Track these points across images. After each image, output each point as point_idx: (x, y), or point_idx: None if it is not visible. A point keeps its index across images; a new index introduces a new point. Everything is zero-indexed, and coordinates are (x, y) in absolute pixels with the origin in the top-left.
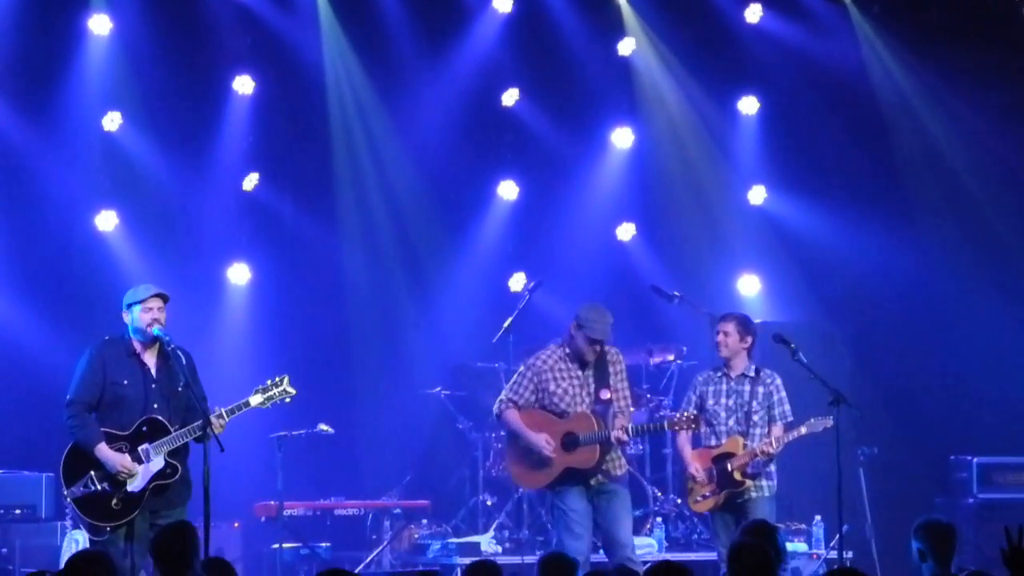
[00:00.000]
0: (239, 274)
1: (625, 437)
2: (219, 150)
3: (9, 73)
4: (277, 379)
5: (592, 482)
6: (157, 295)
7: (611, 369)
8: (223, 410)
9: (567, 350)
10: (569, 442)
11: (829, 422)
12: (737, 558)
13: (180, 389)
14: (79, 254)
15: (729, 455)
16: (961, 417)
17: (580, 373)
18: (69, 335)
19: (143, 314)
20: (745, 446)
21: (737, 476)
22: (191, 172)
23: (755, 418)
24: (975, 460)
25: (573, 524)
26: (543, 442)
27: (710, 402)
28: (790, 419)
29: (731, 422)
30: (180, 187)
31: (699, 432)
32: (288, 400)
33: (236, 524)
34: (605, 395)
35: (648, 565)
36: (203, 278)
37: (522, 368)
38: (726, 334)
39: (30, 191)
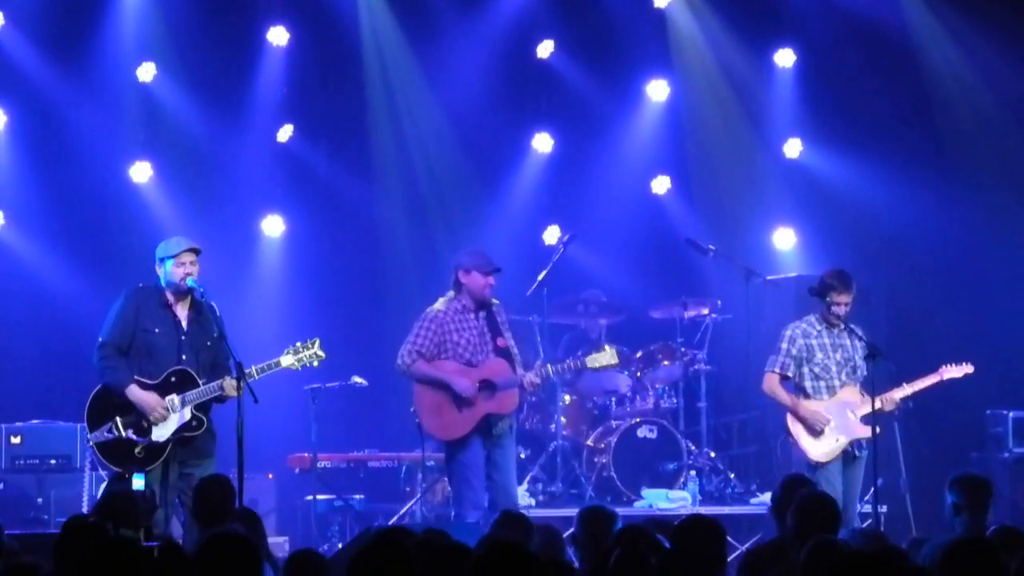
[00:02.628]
0: (273, 226)
1: (539, 380)
2: (253, 101)
3: (44, 24)
4: (309, 342)
5: (494, 431)
6: (190, 249)
7: (499, 319)
8: (253, 368)
9: (461, 302)
10: (487, 388)
11: (969, 368)
12: (806, 509)
13: (209, 344)
14: (113, 205)
15: (847, 404)
16: (997, 372)
17: (476, 323)
18: (103, 286)
19: (176, 268)
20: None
21: (860, 424)
22: (225, 123)
23: (858, 372)
24: (1011, 415)
25: (472, 477)
26: (467, 384)
27: (819, 355)
28: (865, 374)
29: (843, 375)
30: (214, 138)
31: (803, 386)
32: (317, 364)
33: (270, 475)
34: (502, 343)
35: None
36: (237, 230)
37: (421, 321)
38: (850, 303)
39: (65, 142)
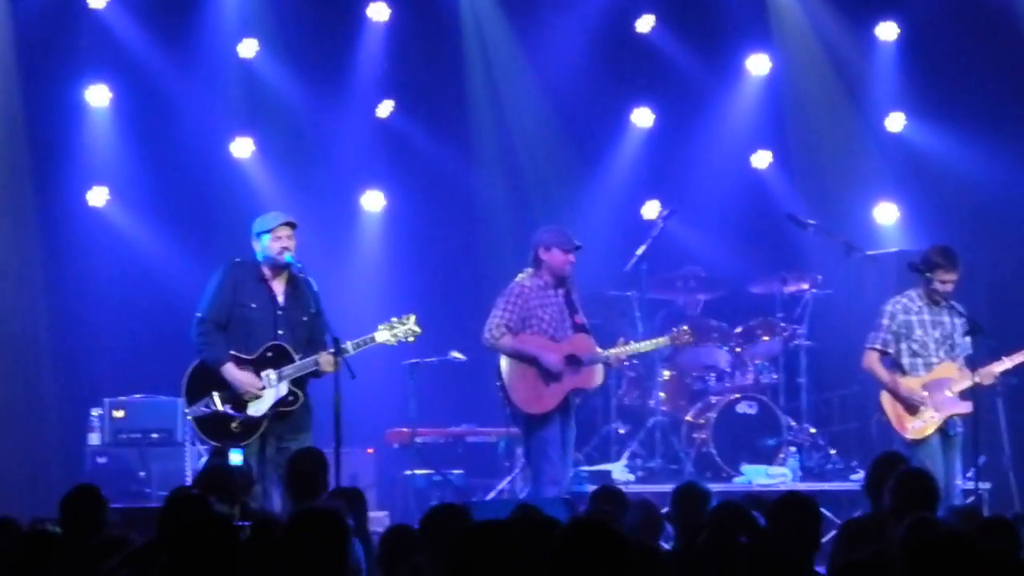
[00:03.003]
0: (373, 201)
1: (624, 357)
2: (354, 77)
3: (148, 1)
4: (404, 317)
5: (570, 408)
6: (286, 223)
7: (573, 296)
8: (349, 343)
9: (542, 278)
10: (572, 363)
11: None
12: (904, 486)
13: (305, 319)
14: (215, 181)
15: (944, 381)
16: None
17: (556, 300)
18: (205, 261)
19: (273, 242)
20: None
21: (958, 400)
22: (326, 99)
23: (957, 350)
24: None
25: (552, 452)
26: (556, 359)
27: (918, 332)
28: (969, 351)
29: (940, 353)
30: (315, 114)
31: (901, 363)
32: (412, 339)
33: (370, 450)
34: (579, 320)
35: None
36: (337, 205)
37: (507, 295)
38: (955, 281)
39: (168, 118)
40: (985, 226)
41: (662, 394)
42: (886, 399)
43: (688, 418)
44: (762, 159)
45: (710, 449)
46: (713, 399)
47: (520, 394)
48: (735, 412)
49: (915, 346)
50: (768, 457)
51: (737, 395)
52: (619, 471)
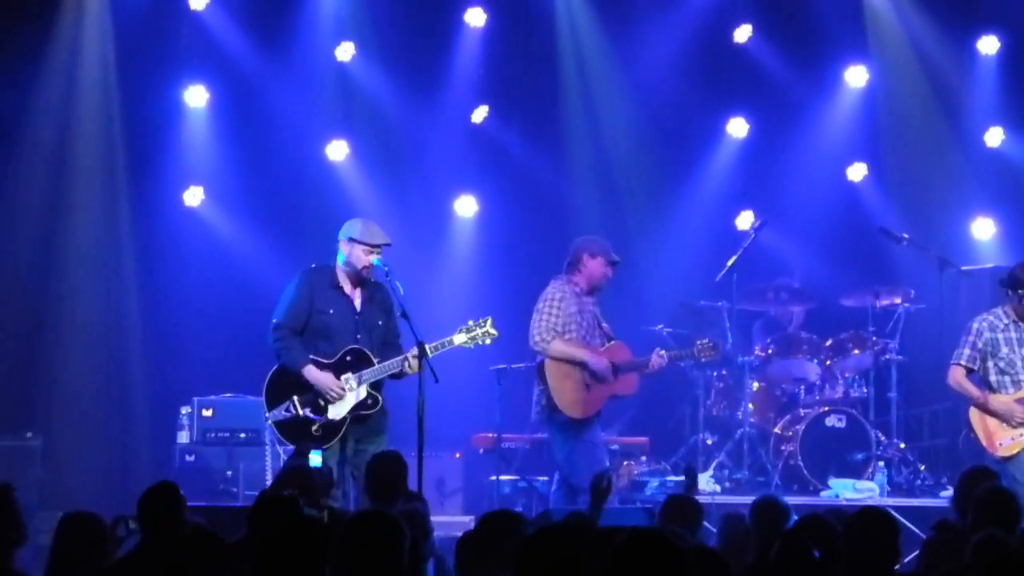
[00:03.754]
0: (466, 206)
1: (664, 362)
2: (449, 82)
3: (247, 4)
4: (481, 320)
5: (601, 414)
6: (386, 244)
7: (598, 308)
8: (427, 346)
9: (578, 285)
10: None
11: None
12: (985, 503)
13: (380, 323)
14: (309, 183)
15: None
16: None
17: (589, 307)
18: (297, 263)
19: (364, 255)
20: None
21: None
22: (421, 104)
23: None
24: None
25: (602, 456)
26: (605, 364)
27: (1004, 350)
28: None
29: None
30: (410, 118)
31: (988, 380)
32: (489, 342)
33: (457, 455)
34: (605, 327)
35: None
36: (430, 210)
37: (550, 300)
38: None
39: (264, 120)
40: None
41: (751, 405)
42: (975, 416)
43: (776, 430)
44: (857, 172)
45: (798, 462)
46: (802, 412)
47: (565, 397)
48: (824, 425)
49: (1002, 364)
50: (856, 471)
51: (826, 408)
52: (706, 482)
